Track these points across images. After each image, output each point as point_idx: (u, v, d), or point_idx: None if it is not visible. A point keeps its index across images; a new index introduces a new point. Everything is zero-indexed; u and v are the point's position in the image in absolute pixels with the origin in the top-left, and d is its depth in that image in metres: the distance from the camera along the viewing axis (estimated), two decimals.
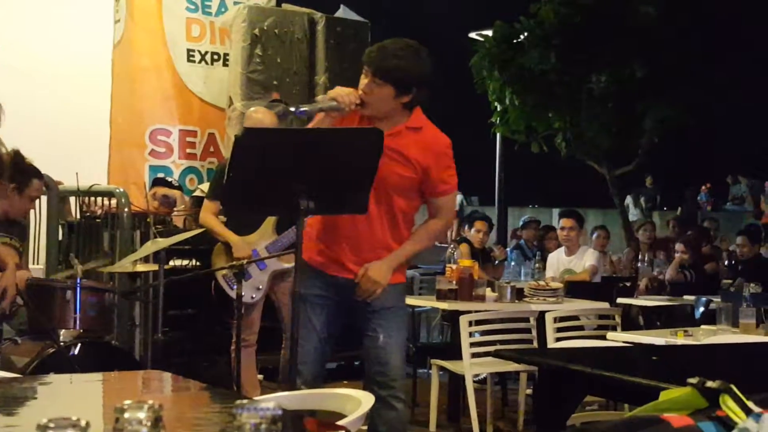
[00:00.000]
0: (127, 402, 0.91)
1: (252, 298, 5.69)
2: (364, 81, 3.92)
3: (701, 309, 7.42)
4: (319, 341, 3.92)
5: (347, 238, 3.91)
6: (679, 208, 20.31)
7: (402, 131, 3.92)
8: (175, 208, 7.18)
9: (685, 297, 7.98)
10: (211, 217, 5.75)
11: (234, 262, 5.49)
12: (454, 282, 6.25)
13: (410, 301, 7.01)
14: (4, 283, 3.76)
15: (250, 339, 5.78)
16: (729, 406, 1.34)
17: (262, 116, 5.78)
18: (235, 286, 5.62)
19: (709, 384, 1.39)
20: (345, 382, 6.56)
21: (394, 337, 3.97)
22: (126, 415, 0.90)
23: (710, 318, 6.65)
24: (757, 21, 15.30)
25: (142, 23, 8.26)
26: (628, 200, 20.95)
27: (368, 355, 3.96)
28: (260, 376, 6.21)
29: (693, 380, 1.41)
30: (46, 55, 7.30)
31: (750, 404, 1.34)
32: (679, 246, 9.17)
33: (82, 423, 0.87)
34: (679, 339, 4.85)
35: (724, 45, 15.07)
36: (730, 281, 8.02)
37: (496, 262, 9.20)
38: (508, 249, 11.50)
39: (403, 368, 4.01)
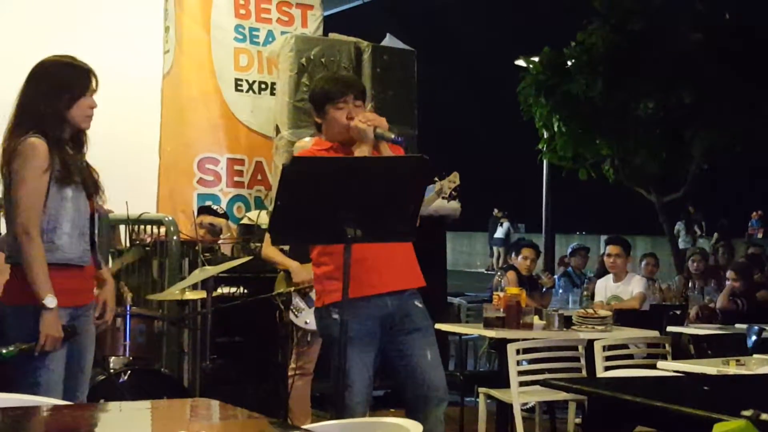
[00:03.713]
0: (182, 431, 0.92)
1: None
2: (359, 110, 4.04)
3: (753, 338, 7.31)
4: (369, 379, 4.00)
5: (376, 254, 3.94)
6: (715, 234, 20.08)
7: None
8: (220, 236, 7.23)
9: (737, 325, 7.87)
10: (271, 249, 5.79)
11: (290, 288, 5.53)
12: (502, 310, 6.22)
13: (457, 329, 7.01)
14: (103, 297, 3.89)
15: (307, 368, 5.76)
16: None
17: (308, 143, 5.85)
18: (300, 314, 5.65)
19: (764, 416, 1.37)
20: (392, 410, 6.53)
21: (437, 354, 4.10)
22: None
23: (763, 347, 6.56)
24: None
25: (190, 54, 8.36)
26: (680, 226, 20.75)
27: (416, 375, 3.99)
28: None
29: (747, 412, 1.39)
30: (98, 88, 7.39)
31: None
32: (730, 274, 9.06)
33: None
34: (731, 368, 4.77)
35: None
36: None
37: (544, 289, 9.13)
38: (555, 276, 11.44)
39: None
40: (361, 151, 3.91)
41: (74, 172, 3.69)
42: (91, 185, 3.82)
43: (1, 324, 3.76)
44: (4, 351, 3.57)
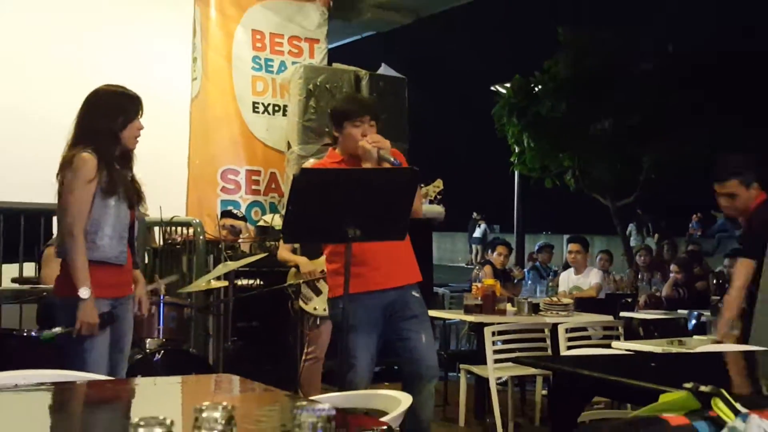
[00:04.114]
0: (205, 403, 0.92)
1: (324, 310, 5.66)
2: (373, 130, 3.97)
3: (693, 321, 7.32)
4: (371, 359, 3.97)
5: (381, 256, 3.92)
6: (656, 235, 20.07)
7: None
8: (240, 236, 7.22)
9: (679, 311, 7.88)
10: (284, 251, 5.77)
11: (299, 280, 5.52)
12: (479, 298, 6.22)
13: (441, 314, 7.00)
14: (139, 294, 3.93)
15: (318, 353, 5.65)
16: (720, 408, 1.32)
17: (315, 163, 5.89)
18: (309, 301, 5.64)
19: (702, 388, 1.37)
20: (386, 384, 6.53)
21: (431, 337, 4.08)
22: (204, 414, 0.90)
23: (701, 329, 6.57)
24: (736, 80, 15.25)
25: (215, 81, 8.35)
26: (631, 227, 20.75)
27: (413, 356, 3.96)
28: None
29: (688, 385, 1.39)
30: None
31: (738, 406, 1.31)
32: (673, 267, 9.09)
33: (168, 422, 0.87)
34: (674, 348, 4.78)
35: (708, 98, 15.00)
36: (717, 297, 7.91)
37: (515, 281, 9.14)
38: (525, 270, 11.43)
39: None
40: (367, 167, 3.88)
41: (118, 184, 3.70)
42: (134, 197, 3.82)
43: (52, 312, 3.77)
44: (45, 334, 3.60)
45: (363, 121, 3.96)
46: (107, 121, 3.69)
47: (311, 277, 5.56)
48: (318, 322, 5.65)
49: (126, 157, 3.82)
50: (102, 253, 3.65)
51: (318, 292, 5.59)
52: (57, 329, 3.59)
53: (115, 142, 3.71)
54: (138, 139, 3.80)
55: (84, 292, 3.55)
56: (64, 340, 3.58)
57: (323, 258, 5.62)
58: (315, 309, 5.61)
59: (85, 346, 3.58)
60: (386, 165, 3.87)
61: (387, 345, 4.06)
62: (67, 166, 3.65)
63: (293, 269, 5.79)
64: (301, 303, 5.72)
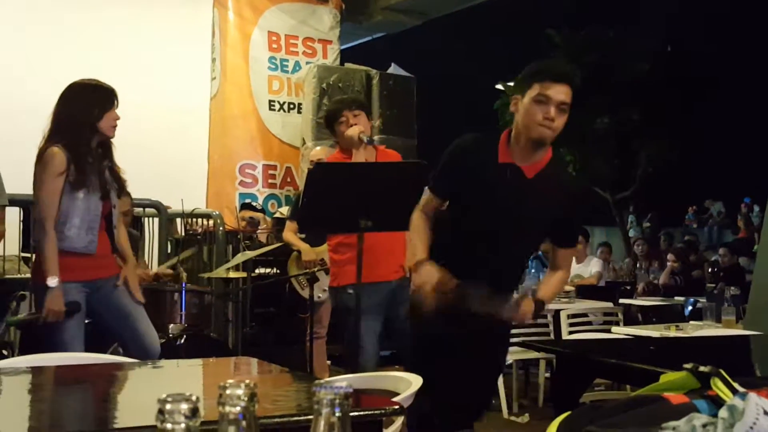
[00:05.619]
0: (229, 381, 0.92)
1: (319, 297, 5.67)
2: (360, 118, 4.04)
3: (690, 308, 7.30)
4: (377, 342, 4.00)
5: (385, 250, 3.95)
6: (646, 225, 19.98)
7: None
8: (258, 227, 7.22)
9: (676, 298, 7.86)
10: (289, 233, 5.81)
11: (307, 269, 5.52)
12: None
13: None
14: (124, 274, 3.83)
15: (320, 332, 5.78)
16: (719, 387, 1.31)
17: (319, 151, 5.96)
18: (305, 288, 5.64)
19: (702, 368, 1.36)
20: (397, 366, 6.52)
21: None
22: (228, 391, 0.90)
23: (697, 315, 6.54)
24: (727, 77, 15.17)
25: (233, 80, 8.35)
26: (632, 218, 20.68)
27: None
28: (328, 362, 6.19)
29: (688, 365, 1.38)
30: (159, 107, 7.40)
31: (736, 385, 1.31)
32: (670, 256, 9.06)
33: (194, 398, 0.87)
34: (672, 332, 4.77)
35: (702, 95, 14.93)
36: (713, 285, 7.89)
37: None
38: (529, 259, 11.40)
39: None
40: (357, 154, 3.95)
41: (87, 177, 3.62)
42: (106, 187, 3.71)
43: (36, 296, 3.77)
44: (10, 319, 3.60)
45: (345, 116, 4.04)
46: (83, 113, 3.62)
47: (312, 266, 5.56)
48: (316, 306, 5.70)
49: (105, 147, 3.74)
50: (70, 243, 3.62)
51: (315, 280, 5.60)
52: (26, 315, 3.58)
53: (92, 133, 3.64)
54: (115, 128, 3.69)
55: (52, 281, 3.53)
56: (32, 324, 3.55)
57: (324, 247, 5.65)
58: (310, 295, 5.64)
59: (54, 328, 3.56)
60: (367, 145, 3.96)
61: (389, 329, 4.06)
62: (38, 160, 3.60)
63: (294, 254, 5.81)
64: (298, 288, 5.76)
